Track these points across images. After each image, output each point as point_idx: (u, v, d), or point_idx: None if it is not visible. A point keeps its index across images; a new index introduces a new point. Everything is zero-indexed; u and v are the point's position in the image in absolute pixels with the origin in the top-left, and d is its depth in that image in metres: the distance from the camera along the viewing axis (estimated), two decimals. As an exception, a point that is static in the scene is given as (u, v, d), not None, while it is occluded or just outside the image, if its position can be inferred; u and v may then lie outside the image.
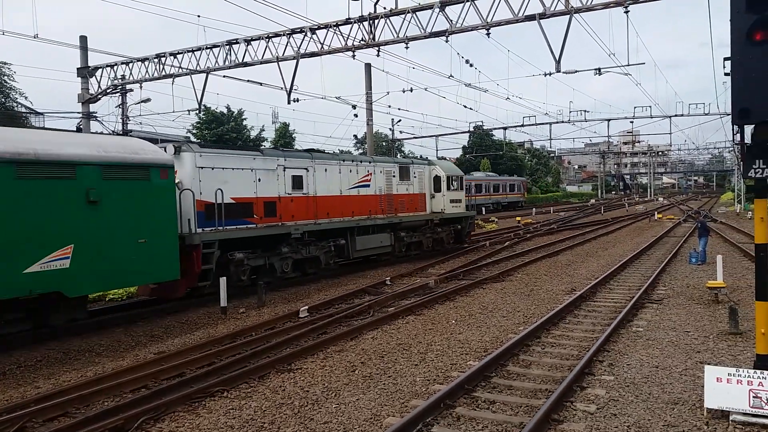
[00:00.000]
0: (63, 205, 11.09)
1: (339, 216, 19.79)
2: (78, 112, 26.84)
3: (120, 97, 29.74)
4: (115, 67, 25.72)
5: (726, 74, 6.89)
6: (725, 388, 6.85)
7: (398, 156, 51.26)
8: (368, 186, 21.51)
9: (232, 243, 15.60)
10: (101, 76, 26.07)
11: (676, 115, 42.11)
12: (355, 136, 67.53)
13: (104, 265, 11.72)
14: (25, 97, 37.30)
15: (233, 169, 16.09)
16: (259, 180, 16.88)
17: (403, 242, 22.99)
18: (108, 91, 26.42)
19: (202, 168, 15.16)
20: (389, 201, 22.49)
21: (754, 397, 6.70)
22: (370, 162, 22.16)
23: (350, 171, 20.70)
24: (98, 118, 28.14)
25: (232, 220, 15.75)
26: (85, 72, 25.86)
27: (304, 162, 18.74)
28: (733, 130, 7.31)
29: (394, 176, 22.98)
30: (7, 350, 11.02)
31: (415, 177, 24.23)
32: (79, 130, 25.25)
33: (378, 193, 21.99)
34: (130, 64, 25.20)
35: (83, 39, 25.76)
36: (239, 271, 15.87)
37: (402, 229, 22.86)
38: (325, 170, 19.50)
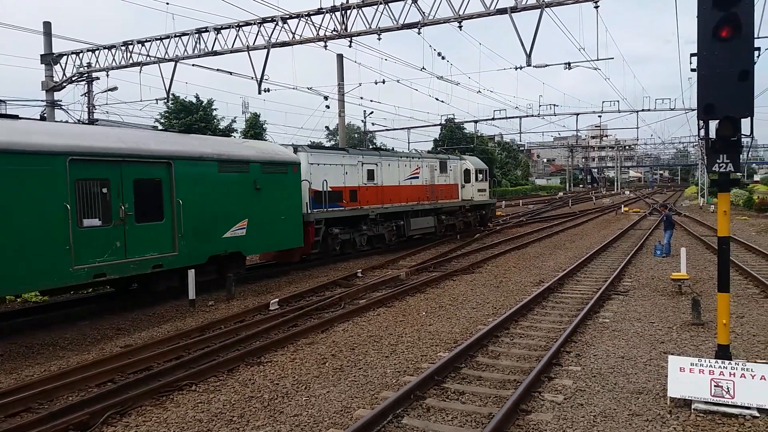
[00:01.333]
0: (241, 191, 15.63)
1: (398, 202, 24.42)
2: (42, 100, 26.16)
3: (86, 86, 29.05)
4: (81, 55, 25.12)
5: (692, 70, 7.00)
6: (688, 377, 7.02)
7: (369, 147, 51.22)
8: (418, 178, 26.05)
9: (331, 221, 20.32)
10: (66, 64, 25.44)
11: (643, 110, 42.79)
12: (327, 127, 67.27)
13: (264, 234, 16.35)
14: None
15: (330, 164, 20.76)
16: (346, 173, 21.52)
17: (443, 224, 27.62)
18: (73, 78, 25.79)
19: (312, 164, 19.68)
20: (432, 190, 26.93)
21: (715, 386, 6.87)
22: (419, 158, 26.91)
23: (405, 165, 25.32)
24: (63, 107, 27.48)
25: (330, 204, 20.37)
26: (49, 59, 25.19)
27: (375, 158, 23.57)
28: (698, 125, 7.44)
29: (435, 170, 27.37)
30: (-33, 344, 10.72)
31: (450, 170, 28.62)
32: (42, 118, 24.60)
33: (425, 184, 26.44)
34: (97, 52, 24.63)
35: (47, 25, 25.08)
36: (335, 242, 20.55)
37: (442, 213, 27.56)
38: (389, 165, 24.15)
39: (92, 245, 11.95)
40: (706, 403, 6.90)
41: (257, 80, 22.04)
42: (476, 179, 30.36)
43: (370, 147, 26.80)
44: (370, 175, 22.92)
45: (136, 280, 14.54)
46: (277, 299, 13.76)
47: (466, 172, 29.88)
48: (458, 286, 15.79)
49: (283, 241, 17.45)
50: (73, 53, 25.17)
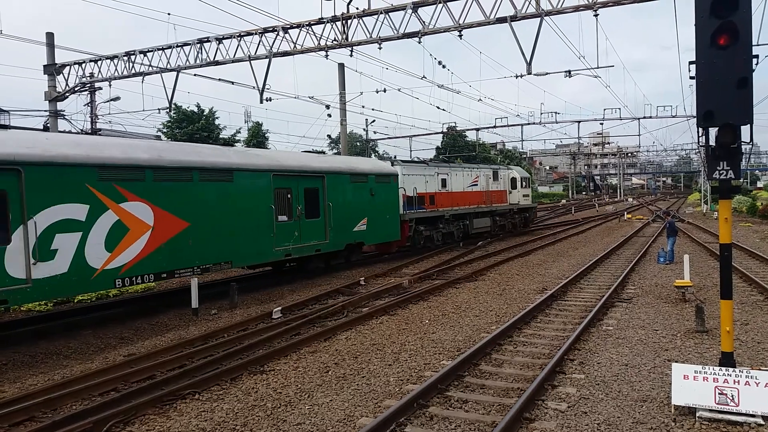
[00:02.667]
0: (363, 196, 20.60)
1: (464, 205, 29.14)
2: (45, 110, 26.28)
3: (88, 96, 29.20)
4: (84, 65, 25.25)
5: (691, 77, 7.03)
6: (692, 385, 7.01)
7: (372, 156, 51.40)
8: (477, 185, 30.88)
9: (418, 220, 24.92)
10: (69, 74, 25.57)
11: (644, 117, 42.87)
12: (329, 136, 67.31)
13: (377, 229, 21.23)
14: None
15: (416, 175, 25.65)
16: (427, 181, 26.31)
17: (497, 224, 32.34)
18: (76, 89, 25.91)
19: (404, 175, 24.29)
20: (488, 195, 31.75)
21: (719, 393, 6.86)
22: (477, 168, 31.92)
23: (468, 175, 30.29)
24: (66, 117, 27.60)
25: (417, 207, 25.12)
26: (52, 69, 25.33)
27: (446, 169, 28.56)
28: (698, 132, 7.46)
29: (490, 178, 32.23)
30: (-29, 354, 10.75)
31: (501, 178, 33.47)
32: (46, 128, 24.71)
33: (482, 190, 31.30)
34: (99, 62, 24.77)
35: (50, 36, 25.23)
36: (420, 237, 25.17)
37: (496, 215, 32.37)
38: (456, 174, 29.11)
39: (283, 234, 16.95)
40: (711, 411, 6.88)
41: (259, 89, 22.15)
42: (521, 186, 35.13)
43: (439, 159, 34.08)
44: (443, 183, 27.80)
45: (292, 261, 19.27)
46: (279, 308, 13.76)
47: (513, 179, 34.62)
48: (461, 294, 15.78)
49: (387, 235, 22.33)
50: (75, 63, 25.31)
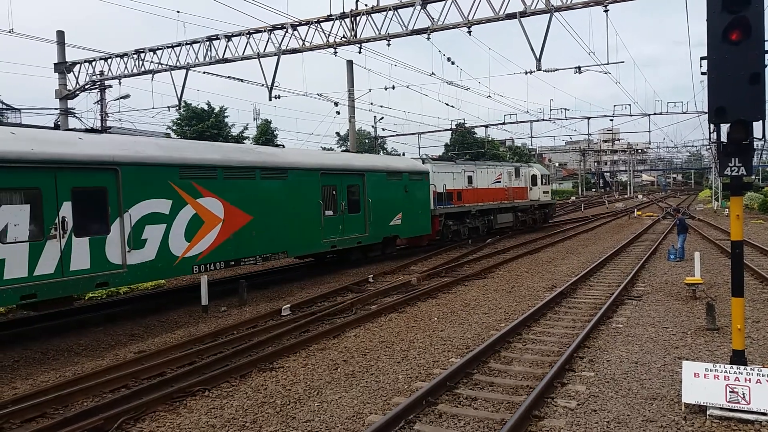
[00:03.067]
0: (398, 193, 22.09)
1: (488, 201, 30.46)
2: (55, 108, 26.44)
3: (98, 93, 29.32)
4: (94, 63, 25.37)
5: (703, 73, 6.97)
6: (702, 383, 6.96)
7: (381, 153, 51.40)
8: (500, 182, 32.06)
9: (447, 215, 26.55)
10: (79, 72, 25.70)
11: (655, 114, 42.50)
12: (338, 133, 67.40)
13: (410, 223, 22.79)
14: None
15: (445, 172, 26.81)
16: (455, 178, 27.60)
17: (519, 219, 34.01)
18: (86, 87, 26.04)
19: (434, 172, 25.56)
20: (511, 192, 32.95)
21: (730, 392, 6.81)
22: (501, 165, 33.50)
23: (492, 172, 31.55)
24: (76, 115, 27.77)
25: (446, 203, 26.42)
26: (63, 68, 25.47)
27: (472, 167, 29.92)
28: (709, 128, 7.40)
29: (512, 175, 33.40)
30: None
31: (522, 175, 34.54)
32: (56, 126, 24.87)
33: (505, 187, 32.44)
34: (109, 60, 24.88)
35: (60, 34, 25.35)
36: (448, 231, 26.81)
37: (518, 210, 33.87)
38: (481, 171, 30.36)
39: (330, 227, 18.58)
40: (722, 409, 6.84)
41: (268, 87, 22.17)
42: (541, 183, 36.47)
43: (466, 157, 35.81)
44: (470, 180, 29.12)
45: (334, 253, 20.19)
46: (288, 305, 13.80)
47: (533, 177, 35.75)
48: (470, 292, 15.76)
49: (420, 229, 23.86)
50: (85, 62, 25.43)
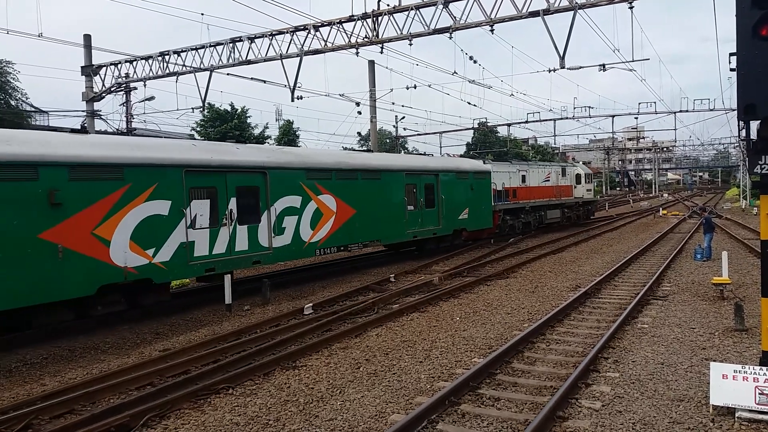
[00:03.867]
0: (466, 190, 24.41)
1: (539, 198, 33.13)
2: (82, 111, 26.92)
3: (124, 96, 29.76)
4: (119, 66, 25.77)
5: (732, 70, 6.84)
6: (731, 385, 6.83)
7: (402, 152, 51.44)
8: (549, 180, 34.89)
9: (505, 211, 29.28)
10: (105, 75, 26.14)
11: (680, 111, 41.89)
12: (359, 133, 67.40)
13: (475, 218, 24.99)
14: (27, 98, 37.18)
15: (502, 171, 29.58)
16: (510, 177, 30.36)
17: (565, 215, 36.31)
18: (112, 89, 26.47)
19: (494, 172, 27.78)
20: (558, 190, 35.67)
21: (760, 393, 6.68)
22: (549, 165, 36.64)
23: (542, 171, 34.66)
24: (102, 117, 28.21)
25: (504, 199, 29.26)
26: (89, 70, 25.91)
27: (525, 166, 33.10)
28: (738, 125, 7.26)
29: (559, 174, 36.29)
30: (13, 348, 11.08)
31: (568, 174, 37.43)
32: (83, 128, 25.29)
33: (554, 185, 35.28)
34: (134, 63, 25.26)
35: (87, 37, 25.81)
36: (506, 226, 29.40)
37: (565, 207, 36.29)
38: (533, 171, 33.35)
39: (412, 220, 21.29)
40: (751, 411, 6.71)
41: (290, 88, 22.31)
42: (585, 181, 39.11)
43: (522, 159, 38.81)
44: (523, 178, 31.92)
45: (413, 243, 23.08)
46: (311, 304, 13.86)
47: (578, 176, 38.48)
48: (492, 291, 15.67)
49: (483, 223, 26.08)
50: (111, 64, 25.85)
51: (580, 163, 47.32)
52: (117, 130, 28.41)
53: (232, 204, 14.58)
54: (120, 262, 12.04)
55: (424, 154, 30.11)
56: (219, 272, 14.19)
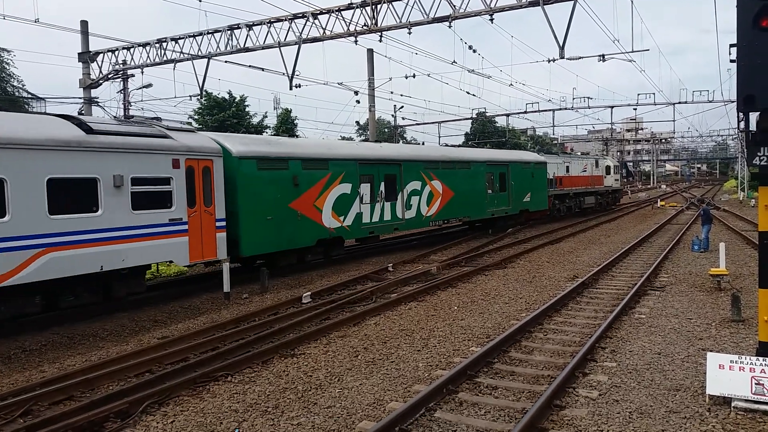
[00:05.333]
0: (527, 177, 29.45)
1: (578, 186, 38.61)
2: (79, 98, 26.77)
3: (121, 83, 29.62)
4: (117, 52, 25.60)
5: (732, 61, 6.83)
6: (727, 375, 6.88)
7: (401, 142, 51.42)
8: (586, 171, 40.03)
9: (555, 196, 34.33)
10: (102, 61, 25.96)
11: (679, 102, 41.80)
12: (358, 122, 67.21)
13: (536, 201, 30.25)
14: (23, 85, 36.96)
15: (552, 162, 34.43)
16: (557, 168, 35.41)
17: (598, 201, 41.92)
18: (109, 76, 26.31)
19: (547, 162, 32.52)
20: (593, 179, 41.04)
21: (756, 384, 6.72)
22: (586, 158, 42.20)
23: (581, 163, 39.86)
24: (99, 104, 28.07)
25: (553, 187, 34.03)
26: (86, 57, 25.75)
27: (567, 158, 38.62)
28: (737, 117, 7.26)
29: (594, 165, 41.50)
30: (12, 335, 11.09)
31: (600, 166, 42.72)
32: (80, 114, 25.18)
33: (589, 175, 40.48)
34: (132, 49, 25.09)
35: (84, 24, 25.61)
36: (554, 209, 34.28)
37: (597, 194, 41.77)
38: (574, 162, 38.69)
39: (490, 201, 26.78)
40: (747, 401, 6.76)
41: (288, 76, 22.23)
42: (614, 172, 44.61)
43: (553, 151, 43.12)
44: (567, 169, 37.07)
45: (478, 222, 27.82)
46: (309, 292, 13.89)
47: (607, 167, 43.87)
48: (490, 281, 15.71)
49: (540, 206, 31.23)
50: (108, 51, 25.67)
51: (610, 155, 55.90)
52: (115, 117, 28.28)
53: (382, 187, 20.42)
54: (327, 224, 18.00)
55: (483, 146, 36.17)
56: (375, 234, 20.63)
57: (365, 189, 19.52)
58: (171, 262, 13.66)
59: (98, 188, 11.64)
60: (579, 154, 47.36)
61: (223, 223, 14.51)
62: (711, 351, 7.82)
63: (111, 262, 11.82)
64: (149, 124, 14.36)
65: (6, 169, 10.16)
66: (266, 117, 49.54)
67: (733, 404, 6.81)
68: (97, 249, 11.54)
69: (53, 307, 11.54)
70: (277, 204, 16.09)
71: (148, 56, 24.53)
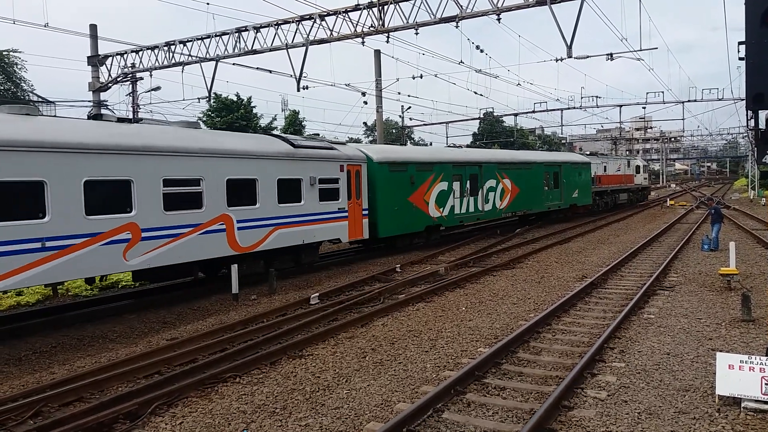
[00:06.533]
0: (575, 176, 34.42)
1: (614, 184, 43.21)
2: (89, 101, 26.95)
3: (130, 86, 29.82)
4: (125, 56, 25.76)
5: (740, 59, 6.77)
6: (737, 375, 6.83)
7: (408, 143, 51.45)
8: (620, 170, 44.55)
9: (596, 193, 38.59)
10: (111, 65, 26.13)
11: (689, 101, 41.59)
12: (365, 123, 67.39)
13: (582, 196, 35.29)
14: (33, 89, 37.22)
15: (594, 163, 38.36)
16: (597, 167, 39.38)
17: (630, 198, 46.58)
18: (118, 79, 26.47)
19: (591, 163, 37.24)
20: (625, 178, 45.53)
21: (766, 384, 6.67)
22: (619, 159, 47.35)
23: (615, 163, 44.25)
24: (109, 107, 28.24)
25: (594, 184, 38.08)
26: (96, 60, 25.92)
27: (606, 159, 42.83)
28: (747, 115, 7.20)
29: (626, 165, 46.16)
30: (23, 336, 11.18)
31: (631, 165, 47.53)
32: (89, 118, 25.32)
33: (622, 174, 44.99)
34: (140, 53, 25.23)
35: (93, 27, 25.79)
36: (595, 204, 38.55)
37: (629, 191, 46.65)
38: (611, 163, 43.10)
39: (546, 196, 31.14)
40: (757, 401, 6.71)
41: (296, 78, 22.26)
42: (642, 171, 49.71)
43: (589, 153, 45.13)
44: (605, 168, 41.42)
45: (536, 215, 31.87)
46: (317, 294, 13.90)
47: (637, 167, 48.63)
48: (498, 282, 15.68)
49: (585, 201, 36.16)
50: (117, 54, 25.83)
51: (639, 156, 61.77)
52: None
53: (468, 184, 24.79)
54: (432, 214, 22.72)
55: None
56: (463, 223, 25.43)
57: (456, 186, 23.98)
58: (338, 239, 18.55)
59: (301, 186, 16.46)
60: (614, 154, 54.23)
61: (366, 212, 19.47)
62: (721, 351, 7.76)
63: (308, 237, 16.78)
64: (321, 139, 19.71)
65: (258, 172, 15.05)
66: (275, 119, 49.63)
67: (743, 405, 6.76)
68: (301, 228, 16.51)
69: (268, 267, 15.61)
70: (400, 198, 21.10)
71: (157, 59, 24.66)
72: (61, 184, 10.64)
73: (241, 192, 14.49)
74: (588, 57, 24.22)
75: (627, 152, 76.87)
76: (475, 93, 44.06)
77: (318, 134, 24.69)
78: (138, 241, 12.03)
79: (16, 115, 10.84)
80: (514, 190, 27.91)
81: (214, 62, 23.22)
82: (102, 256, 11.40)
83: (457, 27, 19.08)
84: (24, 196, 10.23)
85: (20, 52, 35.69)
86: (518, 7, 17.85)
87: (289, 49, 21.51)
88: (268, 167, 15.26)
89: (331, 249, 22.57)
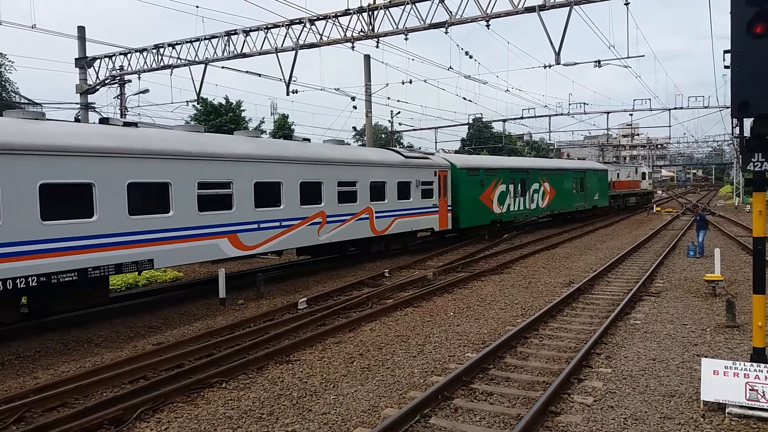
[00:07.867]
0: (596, 181, 40.73)
1: (625, 189, 48.20)
2: (76, 103, 26.72)
3: (118, 88, 29.58)
4: (114, 58, 25.57)
5: (726, 67, 6.86)
6: (722, 380, 6.88)
7: (397, 147, 51.57)
8: (629, 177, 49.77)
9: (611, 196, 44.05)
10: (99, 67, 25.90)
11: (675, 108, 41.92)
12: (354, 128, 67.30)
13: (600, 198, 41.62)
14: (17, 90, 36.91)
15: (609, 170, 44.43)
16: (611, 174, 44.17)
17: (637, 201, 51.24)
18: (106, 81, 26.25)
19: (608, 170, 43.84)
20: (634, 183, 50.71)
21: (750, 389, 6.73)
22: (629, 166, 53.88)
23: (626, 170, 49.81)
24: (96, 109, 28.01)
25: (610, 189, 43.51)
26: (83, 62, 25.71)
27: (618, 167, 49.42)
28: (732, 122, 7.30)
29: (634, 172, 51.65)
30: (6, 341, 11.05)
31: (638, 172, 52.77)
32: (77, 120, 25.13)
33: (631, 180, 50.04)
34: (129, 55, 25.05)
35: (81, 29, 25.58)
36: (610, 206, 44.15)
37: (637, 195, 51.63)
38: (622, 170, 49.19)
39: (574, 198, 37.29)
40: (741, 407, 6.76)
41: (285, 82, 22.19)
42: (647, 177, 55.66)
43: (605, 160, 51.33)
44: (617, 174, 46.83)
45: (573, 213, 37.69)
46: (305, 298, 13.86)
47: (643, 173, 54.20)
48: (486, 287, 15.71)
49: (604, 203, 41.62)
50: (105, 56, 25.63)
51: (644, 163, 68.58)
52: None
53: (518, 187, 29.69)
54: (495, 210, 27.71)
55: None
56: (516, 219, 30.70)
57: (511, 188, 29.01)
58: (432, 229, 23.64)
59: (410, 187, 21.65)
60: (626, 162, 61.42)
61: (450, 208, 24.43)
62: (706, 357, 7.83)
63: (414, 226, 22.16)
64: (419, 150, 27.07)
65: (387, 177, 20.40)
66: (263, 122, 49.52)
67: (727, 410, 6.81)
68: (411, 219, 21.78)
69: (387, 248, 21.72)
70: (474, 197, 26.22)
71: (145, 62, 24.49)
72: (289, 185, 16.18)
73: (376, 191, 19.80)
74: (576, 64, 24.33)
75: (614, 159, 79.82)
76: (464, 99, 44.21)
77: (412, 145, 26.60)
78: (325, 224, 17.48)
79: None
80: (551, 192, 33.42)
81: (203, 65, 23.12)
82: (308, 233, 16.88)
83: (446, 33, 19.13)
84: (271, 193, 15.65)
85: (5, 56, 35.41)
86: (507, 14, 17.92)
87: (278, 53, 21.46)
88: (392, 173, 20.69)
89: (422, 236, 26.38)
